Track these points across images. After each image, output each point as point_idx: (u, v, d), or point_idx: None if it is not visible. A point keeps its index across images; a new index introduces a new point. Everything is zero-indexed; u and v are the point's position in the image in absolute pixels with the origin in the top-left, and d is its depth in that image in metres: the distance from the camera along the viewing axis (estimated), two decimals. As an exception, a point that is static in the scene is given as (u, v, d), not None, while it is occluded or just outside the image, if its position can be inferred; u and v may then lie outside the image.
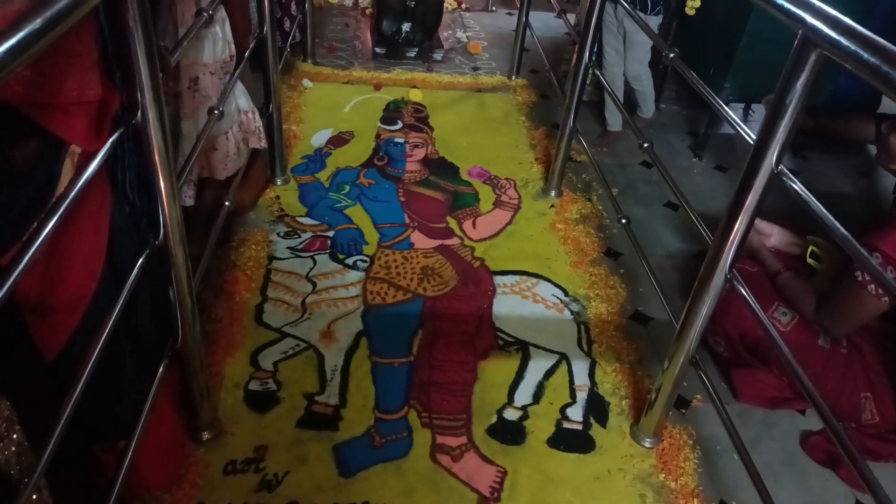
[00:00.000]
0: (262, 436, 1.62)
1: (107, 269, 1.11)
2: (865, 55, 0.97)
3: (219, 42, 1.88)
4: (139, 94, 1.10)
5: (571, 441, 1.70)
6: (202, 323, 1.71)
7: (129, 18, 1.03)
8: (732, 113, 1.55)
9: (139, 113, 1.12)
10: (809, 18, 1.08)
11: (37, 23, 0.73)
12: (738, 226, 1.34)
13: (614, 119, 3.00)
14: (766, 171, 1.25)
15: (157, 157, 1.19)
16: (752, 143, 1.28)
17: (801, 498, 1.60)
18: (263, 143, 2.25)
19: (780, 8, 1.15)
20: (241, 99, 2.10)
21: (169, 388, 1.47)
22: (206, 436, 1.59)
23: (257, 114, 2.19)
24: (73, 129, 0.95)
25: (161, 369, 1.38)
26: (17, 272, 0.81)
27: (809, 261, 1.89)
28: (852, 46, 0.99)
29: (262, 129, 2.22)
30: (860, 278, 1.56)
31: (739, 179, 1.30)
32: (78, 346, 1.09)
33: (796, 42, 1.13)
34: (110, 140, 1.04)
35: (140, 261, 1.22)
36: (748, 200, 1.30)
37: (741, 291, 1.40)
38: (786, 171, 1.24)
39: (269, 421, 1.67)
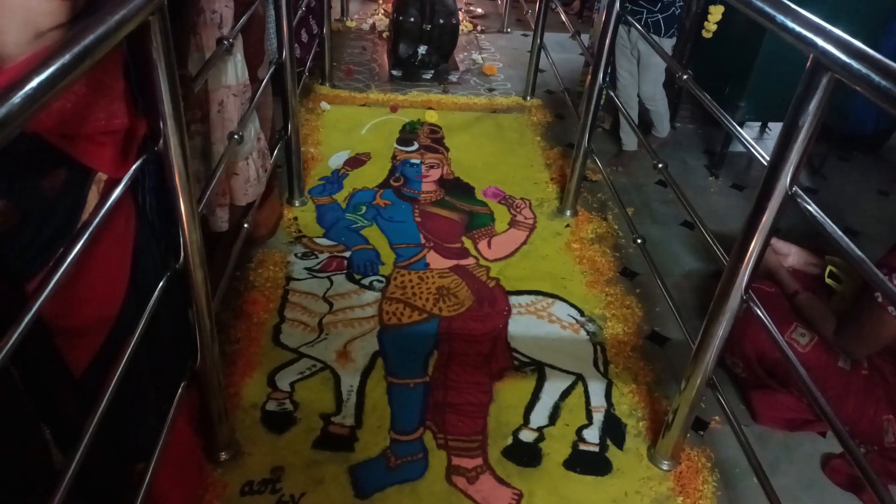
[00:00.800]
0: (278, 456, 1.63)
1: (130, 291, 1.13)
2: (877, 79, 0.97)
3: (238, 64, 1.92)
4: (161, 123, 1.14)
5: (588, 463, 1.69)
6: (221, 344, 1.74)
7: (153, 50, 1.06)
8: (748, 131, 1.55)
9: (161, 140, 1.16)
10: (821, 42, 1.09)
11: (65, 58, 0.76)
12: (754, 246, 1.34)
13: (629, 139, 3.01)
14: (780, 192, 1.25)
15: (178, 183, 1.22)
16: (766, 163, 1.28)
17: (823, 523, 1.58)
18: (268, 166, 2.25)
19: (792, 32, 1.16)
20: (256, 122, 2.14)
21: (188, 409, 1.50)
22: (223, 456, 1.60)
23: (263, 136, 2.21)
24: (100, 158, 0.98)
25: (180, 390, 1.41)
26: (44, 297, 0.84)
27: (828, 281, 1.87)
28: (864, 70, 1.00)
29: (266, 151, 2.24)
30: (880, 300, 1.55)
31: (755, 199, 1.30)
32: (101, 365, 1.12)
33: (808, 65, 1.13)
34: (134, 166, 1.07)
35: (161, 284, 1.25)
36: (763, 221, 1.30)
37: (758, 313, 1.39)
38: (800, 192, 1.24)
39: (285, 441, 1.68)
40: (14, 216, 0.90)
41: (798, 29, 1.16)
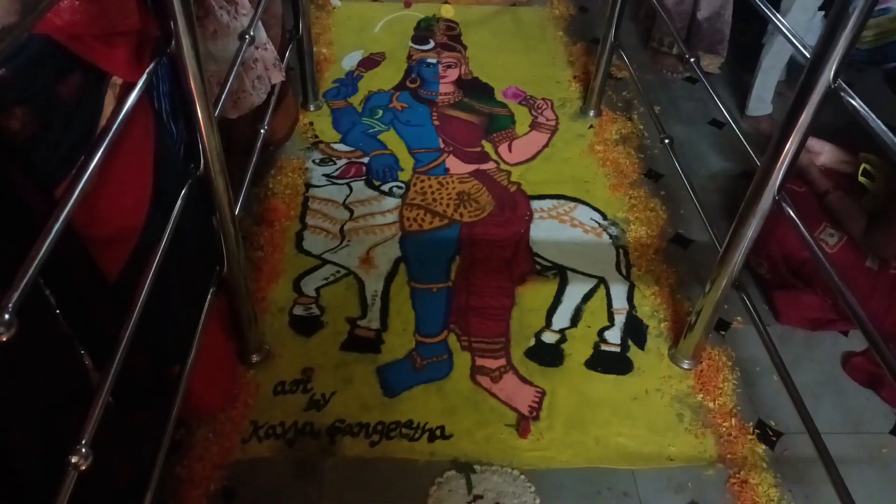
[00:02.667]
0: (308, 358, 1.69)
1: (154, 199, 1.12)
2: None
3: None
4: (172, 23, 1.08)
5: (609, 363, 1.72)
6: (245, 250, 1.76)
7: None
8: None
9: (173, 41, 1.11)
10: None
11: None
12: (791, 145, 1.29)
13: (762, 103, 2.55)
14: (822, 86, 1.19)
15: (193, 86, 1.18)
16: (808, 56, 1.21)
17: (840, 417, 1.61)
18: (282, 75, 2.15)
19: None
20: (261, 31, 2.02)
21: (218, 315, 1.53)
22: (255, 358, 1.66)
23: (271, 44, 2.10)
24: (114, 60, 0.94)
25: (210, 296, 1.43)
26: (72, 202, 0.84)
27: (861, 179, 1.81)
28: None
29: (278, 58, 2.13)
30: (916, 197, 1.50)
31: (794, 95, 1.24)
32: (132, 273, 1.13)
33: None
34: (148, 69, 1.03)
35: (184, 191, 1.24)
36: (802, 118, 1.25)
37: (789, 213, 1.36)
38: (844, 86, 1.18)
39: (314, 344, 1.72)
40: (35, 123, 0.88)
41: None
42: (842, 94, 1.18)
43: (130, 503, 1.10)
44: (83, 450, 0.85)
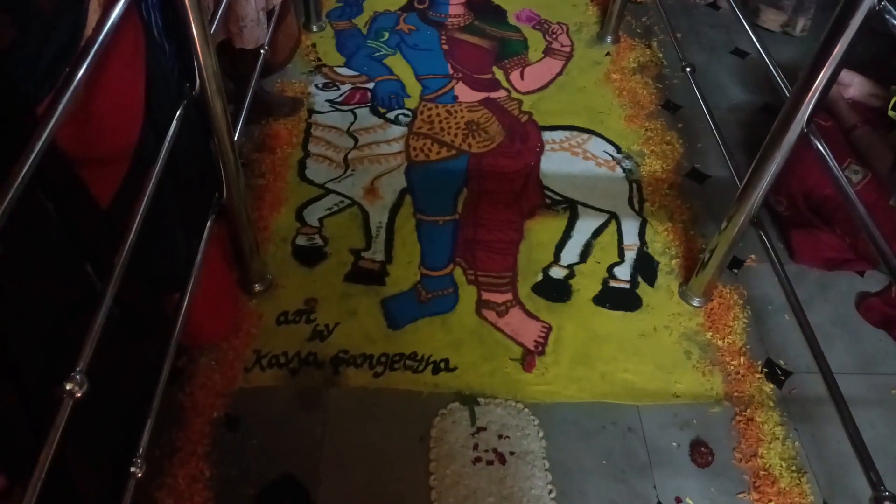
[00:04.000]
0: (311, 289, 1.66)
1: (147, 118, 1.06)
2: None
3: None
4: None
5: (618, 299, 1.69)
6: (246, 178, 1.70)
7: None
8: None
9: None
10: None
11: None
12: (823, 75, 1.21)
13: None
14: (865, 6, 1.10)
15: (188, 5, 1.10)
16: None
17: (852, 358, 1.59)
18: None
19: None
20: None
21: (219, 243, 1.49)
22: (257, 288, 1.63)
23: None
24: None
25: (209, 223, 1.39)
26: (55, 119, 0.78)
27: (891, 113, 1.72)
28: None
29: None
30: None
31: (832, 20, 1.14)
32: (127, 197, 1.09)
33: None
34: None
35: (178, 111, 1.18)
36: (839, 46, 1.16)
37: (817, 147, 1.29)
38: (889, 7, 1.08)
39: (317, 275, 1.69)
40: (10, 30, 0.81)
41: None
42: (886, 16, 1.08)
43: (132, 430, 1.09)
44: (78, 377, 0.83)
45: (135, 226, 1.01)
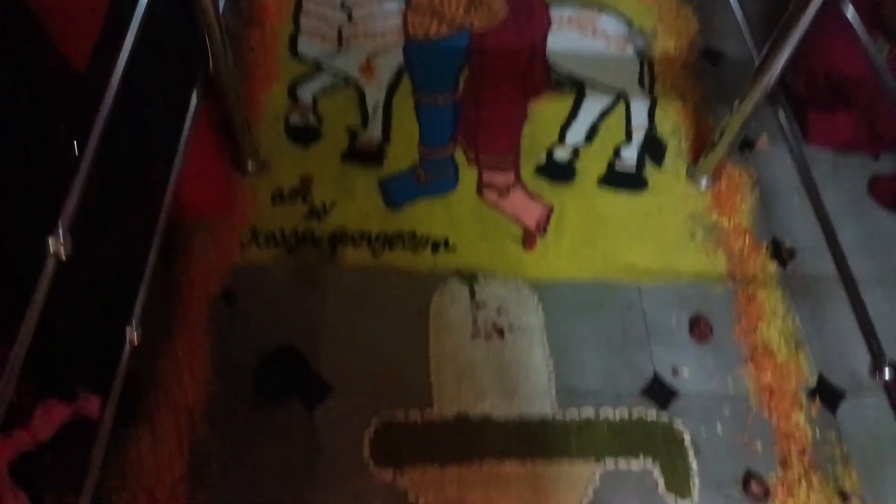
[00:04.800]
0: (306, 168, 1.60)
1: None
2: None
3: None
4: None
5: (623, 180, 1.64)
6: (234, 50, 1.60)
7: None
8: None
9: None
10: None
11: None
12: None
13: None
14: None
15: None
16: None
17: (860, 242, 1.56)
18: None
19: None
20: None
21: (208, 118, 1.43)
22: (251, 167, 1.58)
23: None
24: None
25: (195, 94, 1.32)
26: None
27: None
28: None
29: None
30: None
31: None
32: (103, 59, 1.01)
33: None
34: None
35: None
36: None
37: (847, 17, 1.20)
38: None
39: (312, 154, 1.63)
40: None
41: None
42: None
43: (125, 299, 1.08)
44: (60, 231, 0.79)
45: (112, 86, 0.95)
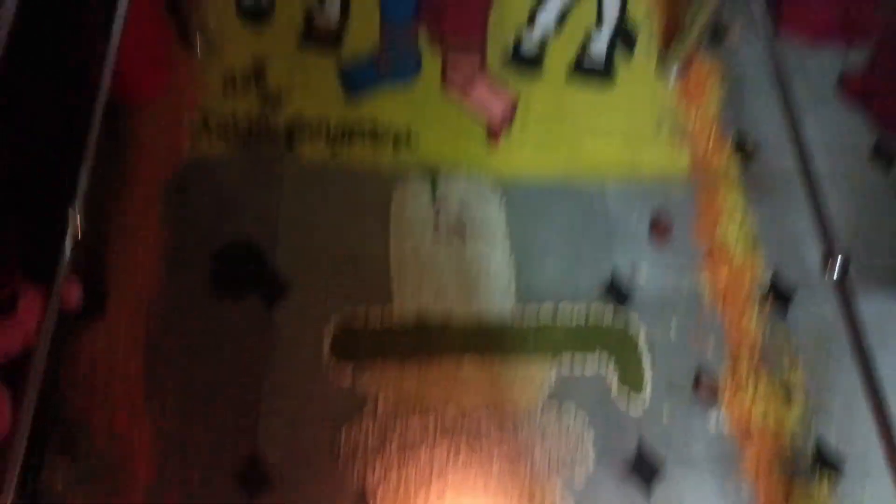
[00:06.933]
0: (260, 50, 1.50)
1: None
2: None
3: None
4: None
5: (592, 71, 1.58)
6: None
7: None
8: None
9: None
10: None
11: None
12: None
13: None
14: None
15: None
16: None
17: (824, 137, 1.55)
18: None
19: None
20: None
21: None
22: (199, 45, 1.46)
23: None
24: None
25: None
26: None
27: None
28: None
29: None
30: None
31: None
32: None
33: None
34: None
35: None
36: None
37: None
38: None
39: (266, 36, 1.52)
40: None
41: None
42: None
43: (64, 179, 1.01)
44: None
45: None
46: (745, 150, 1.52)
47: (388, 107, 1.49)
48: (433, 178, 1.43)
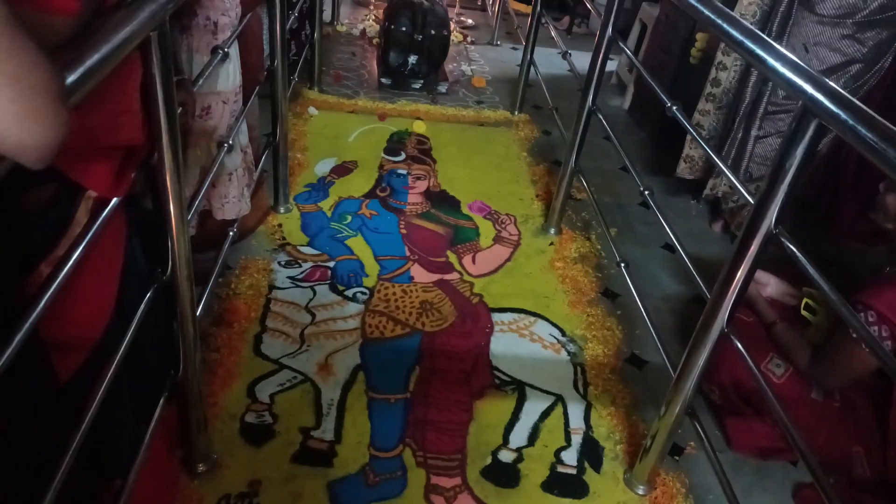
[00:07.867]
0: (256, 470, 1.62)
1: (115, 312, 1.11)
2: (862, 130, 1.01)
3: (231, 71, 1.89)
4: (158, 137, 1.13)
5: (565, 485, 1.70)
6: (202, 353, 1.72)
7: (153, 66, 1.05)
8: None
9: (155, 154, 1.15)
10: (810, 89, 1.12)
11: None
12: (737, 281, 1.37)
13: None
14: (764, 231, 1.29)
15: (170, 197, 1.21)
16: (752, 203, 1.31)
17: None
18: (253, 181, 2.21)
19: (783, 78, 1.19)
20: (243, 135, 2.10)
21: (164, 422, 1.47)
22: (201, 468, 1.58)
23: (250, 149, 2.17)
24: (94, 177, 0.96)
25: (161, 404, 1.39)
26: (35, 315, 0.83)
27: (804, 313, 1.91)
28: (850, 121, 1.03)
29: (253, 162, 2.20)
30: (855, 335, 1.59)
31: (739, 237, 1.33)
32: (84, 378, 1.10)
33: (797, 110, 1.16)
34: (129, 186, 1.06)
35: (147, 295, 1.24)
36: (746, 258, 1.33)
37: (737, 346, 1.42)
38: (784, 232, 1.28)
39: (264, 455, 1.66)
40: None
41: (788, 75, 1.19)
42: (782, 239, 1.27)
43: None
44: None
45: (90, 411, 1.03)
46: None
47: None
48: None
